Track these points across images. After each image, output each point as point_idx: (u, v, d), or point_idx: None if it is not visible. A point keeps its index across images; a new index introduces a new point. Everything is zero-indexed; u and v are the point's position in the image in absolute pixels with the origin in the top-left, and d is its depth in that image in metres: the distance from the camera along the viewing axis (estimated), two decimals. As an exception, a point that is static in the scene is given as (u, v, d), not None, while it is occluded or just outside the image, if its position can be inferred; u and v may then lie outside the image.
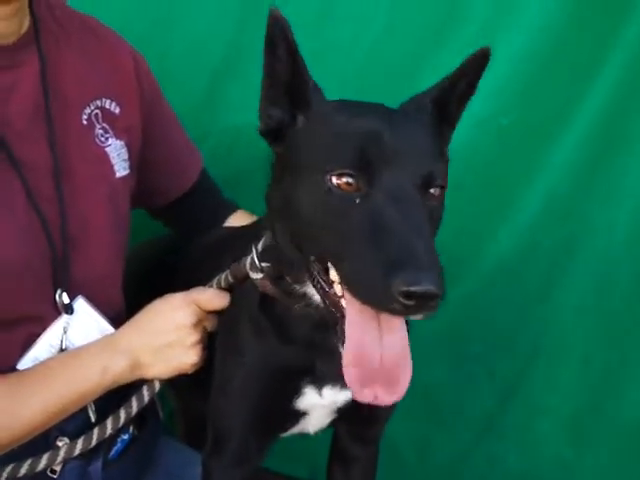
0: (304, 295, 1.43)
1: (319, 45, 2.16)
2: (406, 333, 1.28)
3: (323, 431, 1.69)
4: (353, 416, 1.61)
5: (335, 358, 1.47)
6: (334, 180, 1.23)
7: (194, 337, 1.56)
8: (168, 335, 1.55)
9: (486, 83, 2.10)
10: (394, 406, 1.65)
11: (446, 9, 2.17)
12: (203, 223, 1.98)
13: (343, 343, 1.26)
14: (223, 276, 1.59)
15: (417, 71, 2.16)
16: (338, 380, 1.50)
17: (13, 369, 1.53)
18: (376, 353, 1.24)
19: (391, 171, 1.22)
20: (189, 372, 1.59)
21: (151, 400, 1.62)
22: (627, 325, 2.21)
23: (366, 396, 1.24)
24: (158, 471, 1.82)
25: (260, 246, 1.51)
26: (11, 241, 1.47)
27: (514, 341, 2.35)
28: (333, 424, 1.67)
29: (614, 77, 2.10)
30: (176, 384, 1.90)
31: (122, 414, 1.58)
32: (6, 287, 1.46)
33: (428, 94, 1.41)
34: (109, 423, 1.57)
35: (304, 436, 1.86)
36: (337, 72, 2.19)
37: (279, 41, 1.31)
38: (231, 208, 2.04)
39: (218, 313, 1.61)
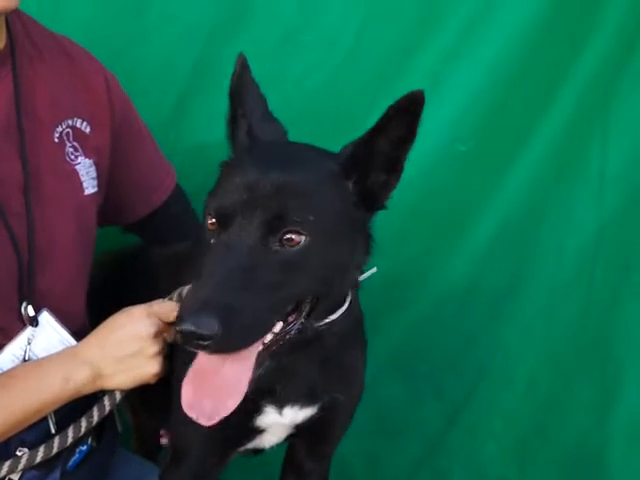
0: None
1: (282, 67, 2.22)
2: (251, 364, 1.34)
3: (278, 446, 1.72)
4: (309, 432, 1.65)
5: (296, 379, 1.52)
6: (207, 221, 1.36)
7: (155, 348, 1.59)
8: (129, 346, 1.57)
9: (445, 111, 2.21)
10: (349, 422, 1.72)
11: (409, 36, 2.21)
12: (174, 239, 2.00)
13: None
14: (185, 290, 1.62)
15: (378, 94, 2.20)
16: (298, 400, 1.55)
17: None
18: (209, 377, 1.34)
19: (242, 216, 1.31)
20: (151, 382, 1.61)
21: (110, 412, 1.65)
22: (573, 350, 2.27)
23: (190, 409, 1.33)
24: (115, 482, 1.85)
25: None
26: None
27: (461, 363, 2.41)
28: (288, 439, 1.71)
29: (567, 109, 2.18)
30: (131, 400, 1.93)
31: (83, 423, 1.60)
32: None
33: (356, 141, 1.41)
34: (70, 432, 1.59)
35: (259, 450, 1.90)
36: (298, 94, 2.24)
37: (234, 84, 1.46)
38: None
39: None
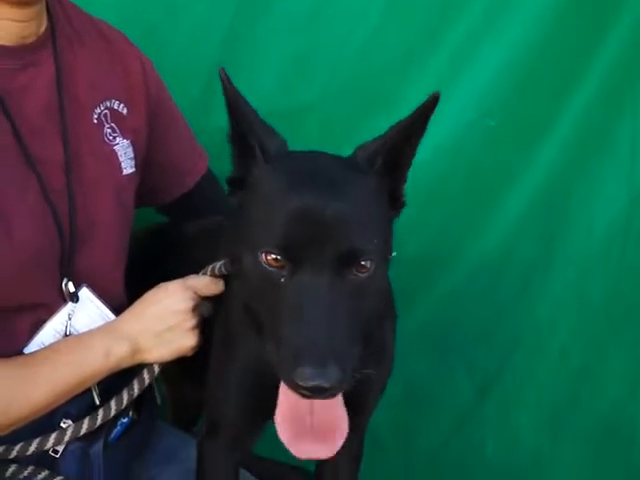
0: None
1: (310, 42, 2.22)
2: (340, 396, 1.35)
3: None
4: None
5: None
6: (264, 257, 1.30)
7: (191, 321, 1.62)
8: (167, 320, 1.61)
9: (474, 85, 2.21)
10: (381, 395, 1.74)
11: (437, 11, 2.21)
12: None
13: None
14: (218, 265, 1.65)
15: (408, 70, 2.22)
16: None
17: (21, 353, 1.59)
18: (306, 417, 1.34)
19: (313, 251, 1.27)
20: (188, 354, 1.65)
21: (150, 385, 1.69)
22: (605, 321, 2.29)
23: (300, 453, 1.34)
24: (155, 453, 1.88)
25: None
26: (25, 230, 1.52)
27: (494, 335, 2.42)
28: None
29: (597, 81, 2.18)
30: (167, 372, 1.96)
31: (125, 396, 1.64)
32: (19, 274, 1.52)
33: (381, 143, 1.40)
34: (113, 404, 1.63)
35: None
36: (327, 70, 2.24)
37: (227, 99, 1.37)
38: None
39: (213, 300, 1.67)
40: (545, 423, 2.42)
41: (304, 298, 1.26)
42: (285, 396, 1.34)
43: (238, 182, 1.44)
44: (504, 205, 2.32)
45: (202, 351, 1.67)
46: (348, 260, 1.29)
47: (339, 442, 1.35)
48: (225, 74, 1.35)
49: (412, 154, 1.42)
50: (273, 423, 1.70)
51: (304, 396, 1.24)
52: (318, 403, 1.33)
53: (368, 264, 1.31)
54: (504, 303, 2.40)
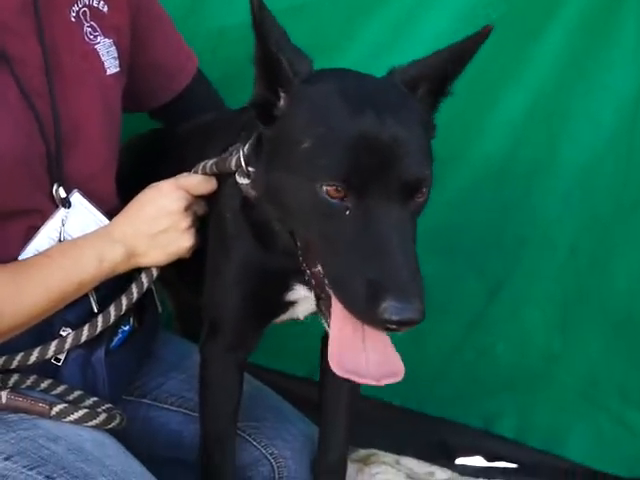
0: None
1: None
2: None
3: (313, 315, 1.71)
4: None
5: None
6: (324, 188, 1.24)
7: (186, 221, 1.59)
8: (161, 221, 1.58)
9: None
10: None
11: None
12: None
13: (329, 324, 1.32)
14: (209, 164, 1.60)
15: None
16: None
17: (15, 260, 1.57)
18: (360, 357, 1.28)
19: (379, 180, 1.22)
20: (185, 256, 1.63)
21: (150, 291, 1.67)
22: (613, 215, 2.25)
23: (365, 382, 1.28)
24: (158, 361, 1.89)
25: (247, 149, 1.50)
26: (6, 132, 1.48)
27: (501, 236, 2.40)
28: None
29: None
30: (168, 281, 1.95)
31: (124, 301, 1.62)
32: (5, 177, 1.49)
33: (423, 69, 1.37)
34: (112, 310, 1.61)
35: (301, 335, 1.91)
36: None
37: (254, 16, 1.29)
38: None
39: (208, 198, 1.64)
40: (555, 321, 2.40)
41: (376, 229, 1.22)
42: (337, 329, 1.30)
43: (264, 106, 1.37)
44: (508, 101, 2.26)
45: (199, 253, 1.65)
46: (414, 188, 1.25)
47: (400, 373, 1.29)
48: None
49: (451, 84, 1.39)
50: (277, 324, 1.72)
51: (388, 330, 1.20)
52: (370, 342, 1.28)
53: (425, 190, 1.28)
54: (510, 204, 2.36)
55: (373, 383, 1.26)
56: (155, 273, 1.64)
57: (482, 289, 2.47)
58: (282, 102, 1.35)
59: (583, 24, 2.16)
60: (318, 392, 1.80)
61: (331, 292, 1.29)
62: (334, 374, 1.65)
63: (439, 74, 1.37)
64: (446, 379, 2.59)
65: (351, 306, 1.23)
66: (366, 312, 1.19)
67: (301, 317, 1.69)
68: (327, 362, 1.74)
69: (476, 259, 2.44)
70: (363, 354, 1.28)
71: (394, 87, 1.36)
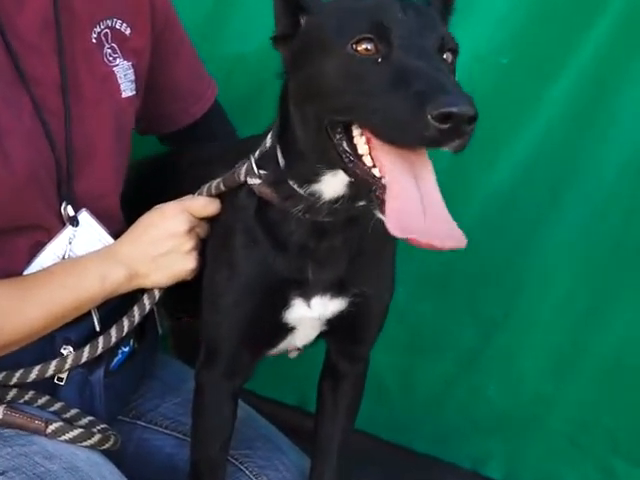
0: (309, 196, 1.46)
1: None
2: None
3: (311, 345, 1.72)
4: (341, 331, 1.65)
5: (326, 267, 1.52)
6: (353, 47, 1.26)
7: (189, 244, 1.61)
8: (164, 243, 1.59)
9: (486, 21, 2.16)
10: (380, 323, 1.70)
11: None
12: None
13: (384, 212, 1.24)
14: (214, 184, 1.61)
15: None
16: (326, 290, 1.56)
17: (20, 275, 1.58)
18: (421, 219, 1.22)
19: (407, 33, 1.25)
20: (187, 278, 1.64)
21: (151, 313, 1.67)
22: (612, 263, 2.24)
23: (427, 245, 1.21)
24: (155, 383, 1.89)
25: (257, 155, 1.54)
26: (18, 147, 1.50)
27: (499, 277, 2.39)
28: (323, 338, 1.71)
29: (613, 19, 2.10)
30: (166, 303, 1.95)
31: (125, 323, 1.63)
32: (15, 193, 1.50)
33: None
34: (113, 332, 1.62)
35: (294, 362, 1.90)
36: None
37: None
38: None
39: (209, 220, 1.65)
40: (549, 368, 2.39)
41: (416, 63, 1.21)
42: (394, 202, 1.23)
43: (286, 39, 1.42)
44: (514, 144, 2.27)
45: (200, 277, 1.66)
46: (440, 45, 1.28)
47: (459, 233, 1.26)
48: None
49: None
50: (272, 359, 1.72)
51: (437, 141, 1.15)
52: (427, 199, 1.24)
53: (451, 57, 1.32)
54: (509, 245, 2.36)
55: (437, 245, 1.20)
56: (157, 295, 1.65)
57: (477, 330, 2.46)
58: (303, 24, 1.40)
59: (594, 69, 2.17)
60: (314, 425, 1.80)
61: (378, 174, 1.26)
62: (332, 409, 1.67)
63: None
64: (437, 418, 2.57)
65: (398, 130, 1.19)
66: (414, 123, 1.14)
67: (299, 345, 1.69)
68: (325, 394, 1.77)
69: (472, 300, 2.43)
70: (424, 218, 1.23)
71: None
